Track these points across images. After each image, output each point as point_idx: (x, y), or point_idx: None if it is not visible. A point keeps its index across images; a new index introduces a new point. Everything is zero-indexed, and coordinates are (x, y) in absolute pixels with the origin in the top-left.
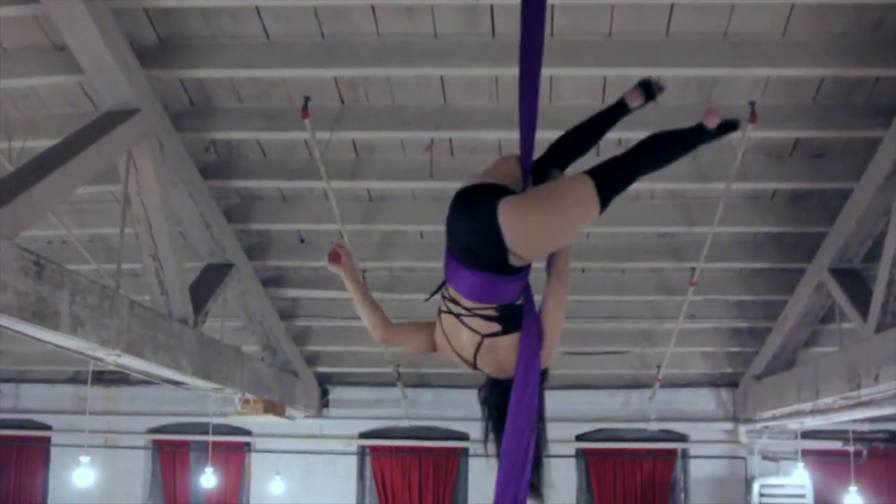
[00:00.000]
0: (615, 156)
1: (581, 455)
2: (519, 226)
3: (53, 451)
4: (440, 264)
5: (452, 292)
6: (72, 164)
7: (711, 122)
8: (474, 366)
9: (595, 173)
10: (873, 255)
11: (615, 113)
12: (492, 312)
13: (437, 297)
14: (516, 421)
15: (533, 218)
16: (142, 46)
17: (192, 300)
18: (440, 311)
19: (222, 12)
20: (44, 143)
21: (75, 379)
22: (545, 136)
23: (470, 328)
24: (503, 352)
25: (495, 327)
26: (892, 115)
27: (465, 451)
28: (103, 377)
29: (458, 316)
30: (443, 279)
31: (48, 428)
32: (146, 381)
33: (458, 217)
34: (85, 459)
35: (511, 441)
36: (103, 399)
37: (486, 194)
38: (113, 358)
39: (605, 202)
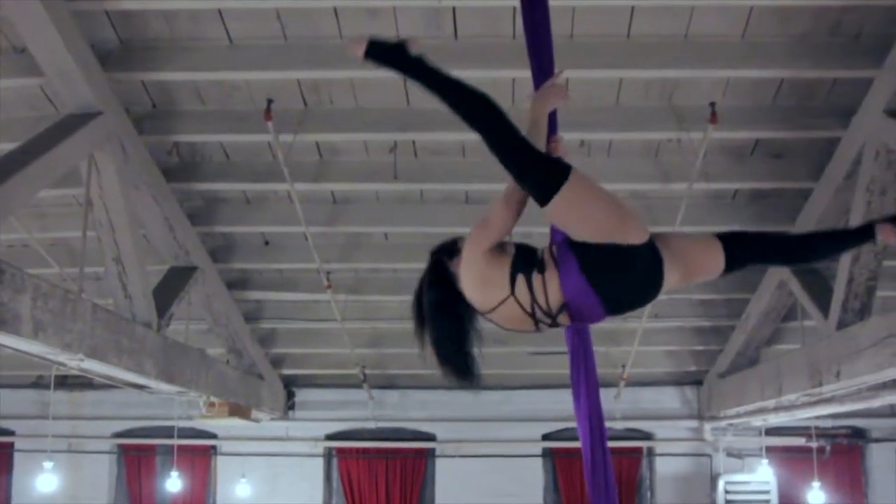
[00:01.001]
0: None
1: (548, 454)
2: (678, 269)
3: (17, 456)
4: (405, 265)
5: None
6: (33, 168)
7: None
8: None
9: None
10: None
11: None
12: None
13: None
14: None
15: (689, 254)
16: (103, 49)
17: (156, 303)
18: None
19: (184, 15)
20: (4, 147)
21: (38, 383)
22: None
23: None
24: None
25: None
26: (850, 115)
27: (431, 452)
28: (66, 381)
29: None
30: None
31: (11, 433)
32: (110, 384)
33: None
34: (48, 465)
35: None
36: (67, 403)
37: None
38: (76, 362)
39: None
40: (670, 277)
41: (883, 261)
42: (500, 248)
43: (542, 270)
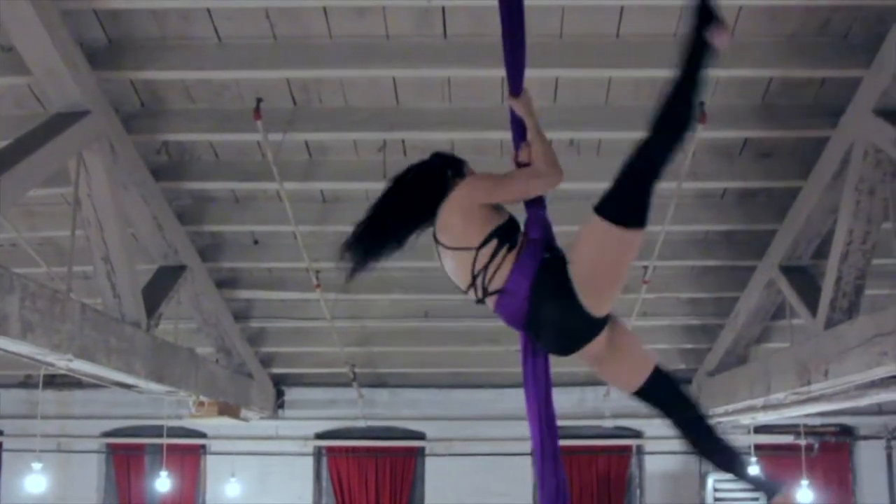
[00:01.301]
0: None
1: None
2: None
3: (5, 456)
4: (393, 264)
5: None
6: (21, 167)
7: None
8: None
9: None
10: (822, 252)
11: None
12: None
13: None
14: None
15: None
16: (91, 48)
17: (145, 303)
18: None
19: (173, 13)
20: None
21: (26, 383)
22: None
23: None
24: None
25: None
26: (839, 115)
27: (421, 451)
28: (55, 381)
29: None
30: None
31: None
32: (99, 384)
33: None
34: (37, 465)
35: None
36: (55, 403)
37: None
38: (64, 363)
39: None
40: (590, 350)
41: (872, 259)
42: (496, 206)
43: (510, 249)
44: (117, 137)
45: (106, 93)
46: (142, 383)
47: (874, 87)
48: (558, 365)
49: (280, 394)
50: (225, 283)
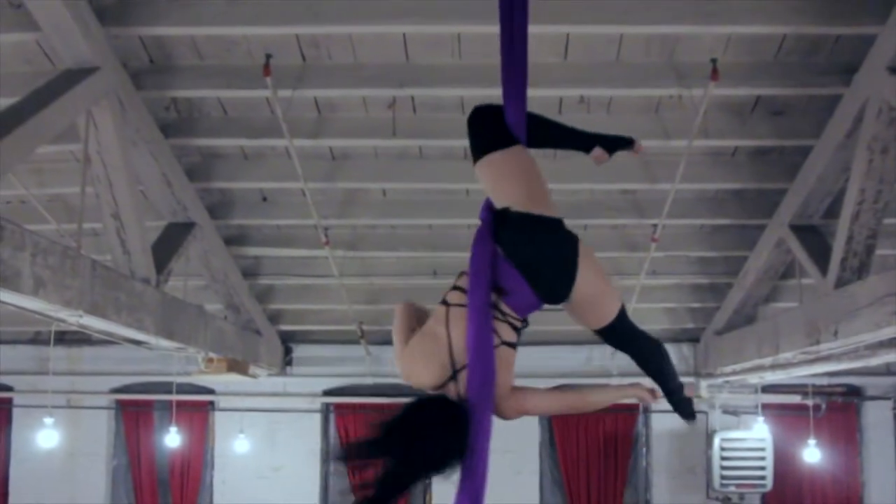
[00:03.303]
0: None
1: None
2: (590, 276)
3: (16, 412)
4: (402, 221)
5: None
6: (30, 124)
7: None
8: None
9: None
10: (833, 211)
11: (581, 145)
12: (520, 324)
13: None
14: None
15: (599, 277)
16: (100, 4)
17: (155, 260)
18: (449, 304)
19: None
20: (1, 103)
21: (36, 339)
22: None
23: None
24: (502, 363)
25: (514, 338)
26: (852, 73)
27: None
28: (65, 337)
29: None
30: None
31: (10, 389)
32: (108, 340)
33: (533, 240)
34: (48, 420)
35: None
36: (65, 359)
37: (561, 228)
38: (75, 319)
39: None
40: (592, 262)
41: (883, 219)
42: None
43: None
44: (126, 94)
45: (115, 49)
46: (151, 339)
47: (889, 44)
48: (565, 324)
49: (288, 351)
50: (233, 239)
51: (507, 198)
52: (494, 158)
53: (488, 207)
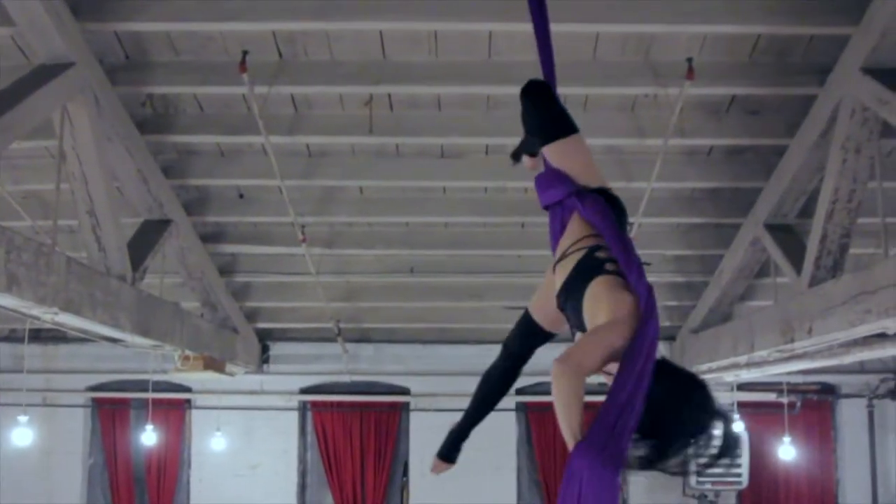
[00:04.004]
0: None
1: (521, 408)
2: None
3: None
4: (379, 219)
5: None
6: (5, 119)
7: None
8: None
9: None
10: (807, 210)
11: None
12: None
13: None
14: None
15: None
16: None
17: (130, 257)
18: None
19: None
20: None
21: (11, 337)
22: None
23: None
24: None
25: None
26: (827, 72)
27: (406, 406)
28: (40, 335)
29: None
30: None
31: None
32: (84, 338)
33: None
34: (23, 419)
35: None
36: (41, 357)
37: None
38: (50, 316)
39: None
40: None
41: (857, 218)
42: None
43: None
44: (102, 90)
45: (90, 44)
46: (127, 337)
47: (862, 44)
48: None
49: (265, 348)
50: (210, 237)
51: (598, 180)
52: (579, 139)
53: (567, 180)
